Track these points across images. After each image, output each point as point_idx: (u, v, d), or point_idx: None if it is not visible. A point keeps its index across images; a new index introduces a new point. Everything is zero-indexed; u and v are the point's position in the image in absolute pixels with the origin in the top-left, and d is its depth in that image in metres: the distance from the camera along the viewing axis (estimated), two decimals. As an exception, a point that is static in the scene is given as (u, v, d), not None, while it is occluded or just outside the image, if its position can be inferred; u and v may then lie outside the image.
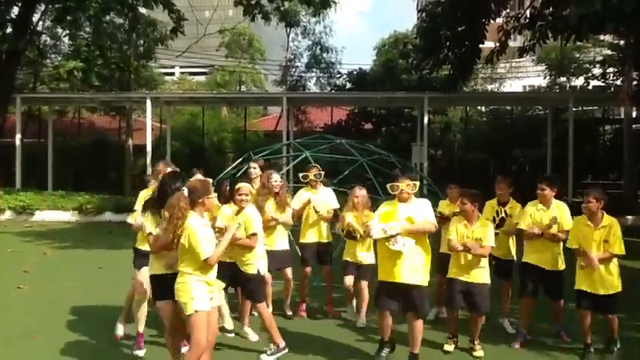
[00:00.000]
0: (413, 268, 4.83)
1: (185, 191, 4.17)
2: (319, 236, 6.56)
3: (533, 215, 5.65)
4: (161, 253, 4.35)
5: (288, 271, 6.30)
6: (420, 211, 4.91)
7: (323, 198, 6.59)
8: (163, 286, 4.37)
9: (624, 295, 5.15)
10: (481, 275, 5.23)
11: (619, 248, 4.99)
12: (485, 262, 5.25)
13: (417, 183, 5.00)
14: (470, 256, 5.22)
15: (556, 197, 5.70)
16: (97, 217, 16.16)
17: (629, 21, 8.11)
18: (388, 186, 4.98)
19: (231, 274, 5.30)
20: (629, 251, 5.12)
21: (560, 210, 5.59)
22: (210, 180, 4.75)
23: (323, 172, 6.77)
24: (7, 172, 19.71)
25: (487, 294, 5.23)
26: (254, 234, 5.16)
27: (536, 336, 5.76)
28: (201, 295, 4.08)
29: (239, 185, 5.25)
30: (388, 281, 4.88)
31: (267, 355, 5.14)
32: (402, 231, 4.77)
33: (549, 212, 5.58)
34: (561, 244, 5.58)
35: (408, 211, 4.88)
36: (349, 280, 6.16)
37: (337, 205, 6.71)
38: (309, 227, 6.55)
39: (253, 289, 5.30)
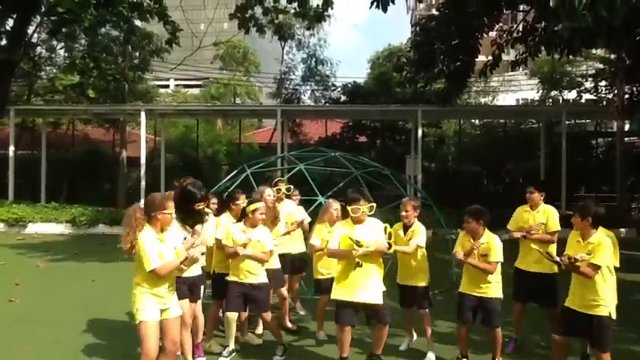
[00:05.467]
0: (371, 288, 4.99)
1: (142, 203, 4.39)
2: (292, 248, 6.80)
3: (520, 216, 5.92)
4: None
5: (284, 290, 6.35)
6: (373, 232, 5.06)
7: (286, 210, 6.80)
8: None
9: (619, 306, 5.13)
10: (492, 289, 5.22)
11: (598, 258, 4.47)
12: (495, 276, 5.22)
13: (374, 205, 5.15)
14: (479, 270, 5.20)
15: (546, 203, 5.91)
16: (91, 230, 16.09)
17: (619, 34, 8.19)
18: (349, 208, 5.08)
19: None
20: (622, 263, 5.12)
21: (547, 212, 5.80)
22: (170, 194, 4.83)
23: (292, 187, 7.13)
24: (0, 184, 19.63)
25: (498, 308, 5.23)
26: (271, 251, 5.59)
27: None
28: (148, 306, 4.23)
29: (255, 205, 5.52)
30: (347, 300, 5.01)
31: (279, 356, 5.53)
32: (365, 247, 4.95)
33: (536, 213, 5.83)
34: (554, 246, 5.69)
35: (365, 232, 5.03)
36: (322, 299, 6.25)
37: (305, 217, 7.06)
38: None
39: (265, 299, 5.55)
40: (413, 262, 5.61)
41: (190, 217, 4.97)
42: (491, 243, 5.21)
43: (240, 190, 6.18)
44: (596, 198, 6.25)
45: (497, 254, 5.17)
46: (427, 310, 5.64)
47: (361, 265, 4.98)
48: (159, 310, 4.27)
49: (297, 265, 6.94)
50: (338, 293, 5.08)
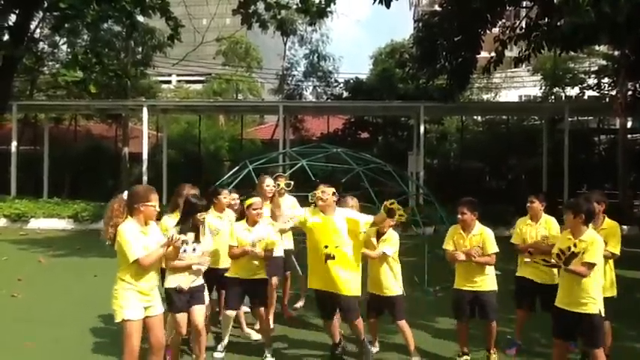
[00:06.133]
0: (340, 281, 4.98)
1: (124, 195, 4.29)
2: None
3: (522, 230, 5.76)
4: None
5: (274, 279, 6.29)
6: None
7: (287, 205, 6.66)
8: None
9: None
10: (487, 283, 5.23)
11: (591, 256, 4.43)
12: (490, 269, 5.24)
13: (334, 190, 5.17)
14: (473, 265, 5.18)
15: (546, 211, 5.80)
16: (93, 225, 16.08)
17: (622, 31, 8.18)
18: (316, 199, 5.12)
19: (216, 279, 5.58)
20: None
21: (548, 225, 5.68)
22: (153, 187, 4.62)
23: (292, 182, 6.97)
24: (2, 179, 19.65)
25: (494, 301, 5.24)
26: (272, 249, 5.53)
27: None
28: (131, 303, 4.12)
29: (252, 200, 5.44)
30: (321, 290, 5.10)
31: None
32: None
33: (538, 227, 5.68)
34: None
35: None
36: None
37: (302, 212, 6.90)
38: None
39: (265, 293, 5.55)
40: (380, 270, 5.36)
41: (191, 229, 4.90)
42: (485, 235, 5.22)
43: (227, 186, 6.16)
44: (603, 192, 6.03)
45: (493, 245, 5.19)
46: (403, 320, 5.36)
47: (333, 258, 4.94)
48: (142, 307, 4.16)
49: None
50: (312, 282, 5.17)
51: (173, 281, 4.84)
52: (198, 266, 4.84)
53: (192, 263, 4.79)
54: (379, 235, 5.42)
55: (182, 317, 4.89)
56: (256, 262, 5.40)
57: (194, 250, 4.83)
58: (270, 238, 5.44)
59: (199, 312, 4.94)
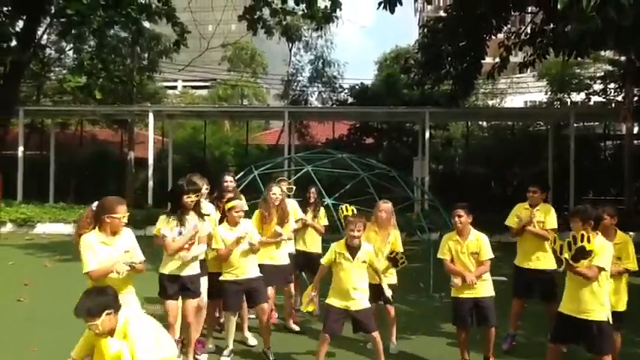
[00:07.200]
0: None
1: (94, 206, 4.38)
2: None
3: (522, 215, 5.90)
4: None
5: (291, 286, 6.33)
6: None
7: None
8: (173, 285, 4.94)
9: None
10: (486, 288, 5.21)
11: (600, 260, 4.39)
12: (487, 275, 5.22)
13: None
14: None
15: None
16: (98, 230, 16.12)
17: (628, 36, 8.17)
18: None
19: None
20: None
21: (545, 209, 5.85)
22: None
23: (294, 187, 7.06)
24: (8, 184, 19.73)
25: (493, 306, 5.21)
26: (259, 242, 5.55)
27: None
28: None
29: (233, 203, 5.43)
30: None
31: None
32: None
33: (535, 212, 5.83)
34: (547, 244, 5.67)
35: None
36: None
37: (303, 215, 6.95)
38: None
39: (262, 290, 5.55)
40: (362, 281, 5.03)
41: (181, 211, 4.96)
42: (481, 241, 5.20)
43: (228, 177, 6.18)
44: (614, 206, 5.93)
45: (488, 252, 5.17)
46: (376, 332, 5.06)
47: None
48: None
49: (315, 263, 6.97)
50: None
51: (164, 267, 4.94)
52: (184, 253, 4.86)
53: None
54: (352, 248, 5.05)
55: (171, 304, 4.94)
56: (248, 261, 5.42)
57: (180, 234, 4.87)
58: (252, 235, 5.45)
59: (189, 304, 5.00)
